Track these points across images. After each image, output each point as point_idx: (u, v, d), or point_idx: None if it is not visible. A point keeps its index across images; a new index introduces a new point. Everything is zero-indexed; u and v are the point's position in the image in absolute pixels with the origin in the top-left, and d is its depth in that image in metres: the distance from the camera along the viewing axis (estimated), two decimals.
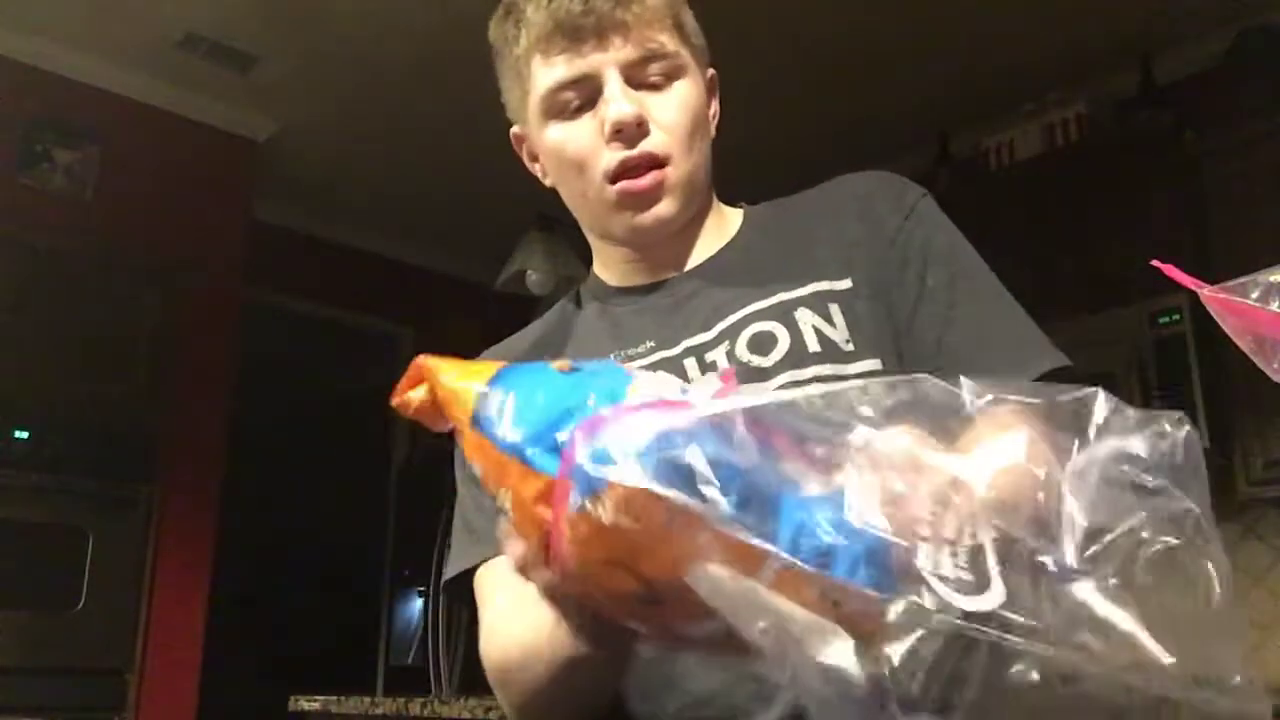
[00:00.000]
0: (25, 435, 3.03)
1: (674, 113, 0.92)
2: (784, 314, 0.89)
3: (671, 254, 0.98)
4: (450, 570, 0.96)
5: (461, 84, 3.52)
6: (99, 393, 3.19)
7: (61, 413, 3.11)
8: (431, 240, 4.54)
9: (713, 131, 0.99)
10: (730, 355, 0.89)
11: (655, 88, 0.92)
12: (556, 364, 0.55)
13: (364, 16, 3.15)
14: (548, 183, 1.00)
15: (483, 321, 4.30)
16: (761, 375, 0.86)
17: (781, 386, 0.83)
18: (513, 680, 0.80)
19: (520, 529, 0.53)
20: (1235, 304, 0.57)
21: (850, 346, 0.86)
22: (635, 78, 0.91)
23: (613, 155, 0.91)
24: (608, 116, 0.90)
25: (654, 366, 0.91)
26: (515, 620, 0.79)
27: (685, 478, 0.46)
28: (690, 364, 0.91)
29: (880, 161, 4.24)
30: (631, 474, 0.46)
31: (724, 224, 1.01)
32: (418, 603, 4.27)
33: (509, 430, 0.52)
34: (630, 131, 0.90)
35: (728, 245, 0.99)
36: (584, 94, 0.91)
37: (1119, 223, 2.93)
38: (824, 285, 0.90)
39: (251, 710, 3.16)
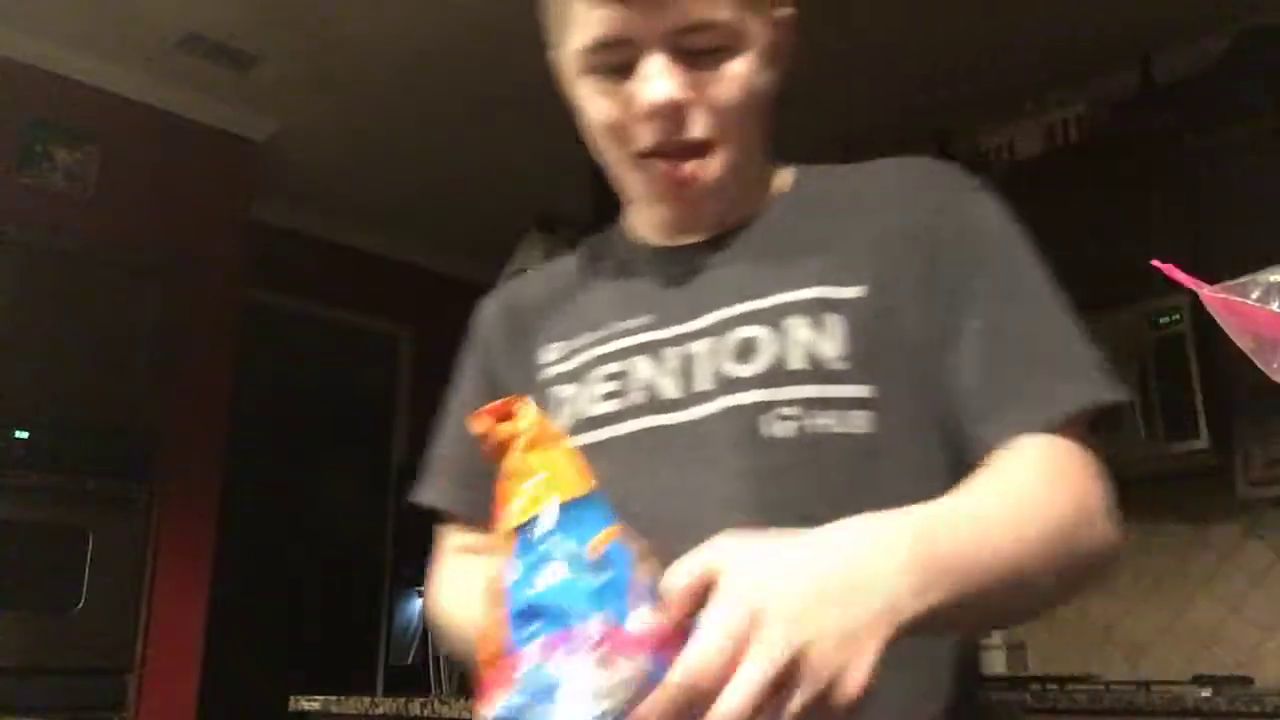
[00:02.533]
0: (25, 435, 3.03)
1: (727, 93, 0.81)
2: (776, 319, 0.81)
3: (701, 216, 0.89)
4: (426, 495, 0.99)
5: (462, 83, 3.52)
6: (99, 392, 3.19)
7: (61, 413, 3.11)
8: (431, 240, 4.54)
9: (775, 79, 0.87)
10: (714, 354, 0.82)
11: (707, 61, 0.80)
12: (596, 543, 0.58)
13: (364, 17, 3.15)
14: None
15: None
16: (737, 387, 0.80)
17: (755, 404, 0.79)
18: (446, 638, 0.91)
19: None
20: (1235, 304, 0.57)
21: (845, 365, 0.78)
22: (685, 45, 0.79)
23: (646, 135, 0.82)
24: (642, 96, 0.80)
25: (640, 348, 0.86)
26: (457, 601, 0.87)
27: None
28: (671, 352, 0.85)
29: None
30: None
31: (766, 187, 0.92)
32: (418, 603, 4.27)
33: (517, 579, 0.57)
34: (664, 117, 0.80)
35: (759, 217, 0.89)
36: (623, 58, 0.80)
37: (1119, 223, 2.93)
38: (828, 291, 0.81)
39: (251, 710, 3.16)
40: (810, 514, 0.73)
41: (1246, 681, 2.65)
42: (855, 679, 0.53)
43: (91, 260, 3.27)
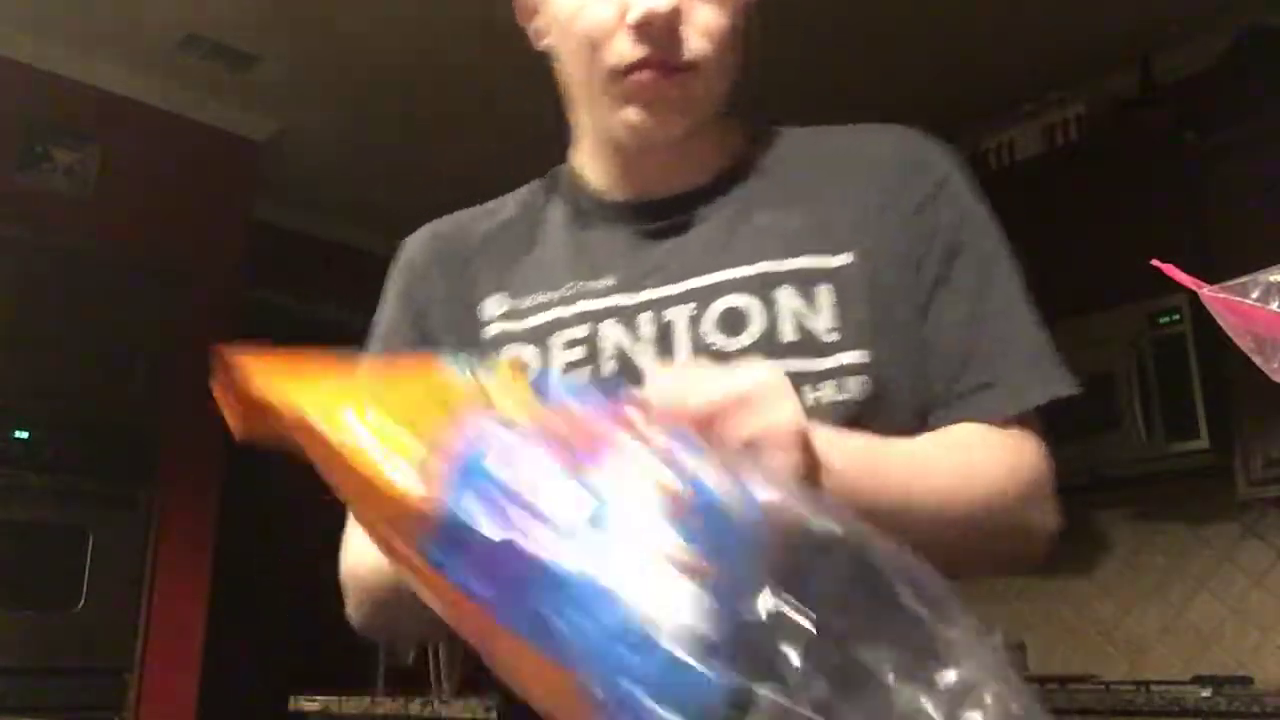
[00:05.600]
0: (25, 435, 3.03)
1: (716, 17, 0.78)
2: (764, 289, 0.78)
3: (662, 168, 0.85)
4: None
5: (461, 83, 3.52)
6: (99, 393, 3.19)
7: (61, 413, 3.11)
8: None
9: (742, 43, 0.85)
10: (694, 323, 0.78)
11: None
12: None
13: (364, 16, 3.15)
14: (541, 45, 0.87)
15: None
16: (724, 360, 0.76)
17: None
18: (360, 585, 0.81)
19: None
20: (1235, 304, 0.57)
21: (834, 336, 0.76)
22: None
23: (631, 48, 0.77)
24: (635, 3, 0.76)
25: (608, 311, 0.81)
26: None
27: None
28: (645, 319, 0.79)
29: None
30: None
31: (729, 141, 0.87)
32: None
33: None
34: (659, 29, 0.76)
35: (727, 176, 0.85)
36: None
37: (1119, 223, 2.93)
38: (815, 261, 0.79)
39: (251, 710, 3.16)
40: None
41: (1246, 681, 2.65)
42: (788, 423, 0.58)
43: (91, 260, 3.27)
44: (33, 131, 3.30)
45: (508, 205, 0.93)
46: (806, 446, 0.59)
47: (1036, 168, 3.28)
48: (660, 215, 0.84)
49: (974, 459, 0.75)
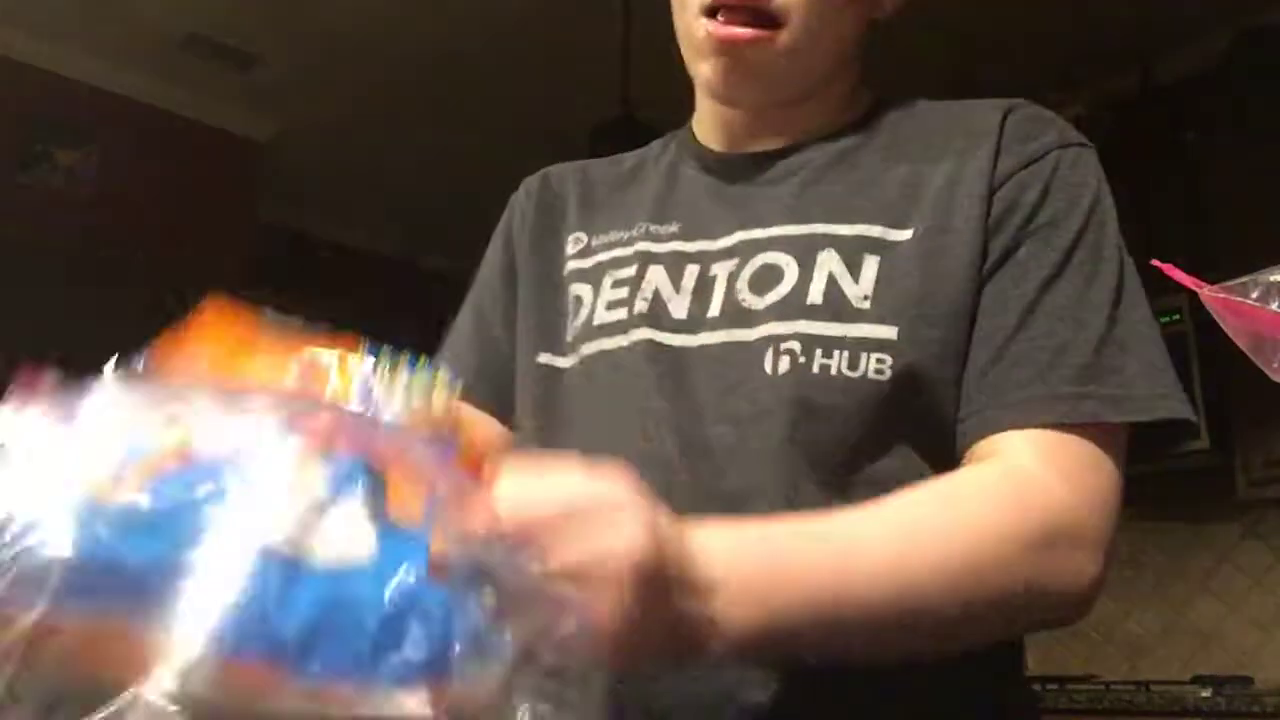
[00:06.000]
0: None
1: None
2: (807, 249, 0.73)
3: (753, 127, 0.83)
4: None
5: (462, 83, 3.52)
6: None
7: None
8: (433, 241, 4.54)
9: (886, 6, 0.82)
10: (732, 279, 0.75)
11: None
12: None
13: (364, 16, 3.15)
14: None
15: None
16: (747, 320, 0.73)
17: (760, 339, 0.71)
18: None
19: None
20: (1235, 304, 0.57)
21: (866, 305, 0.70)
22: None
23: None
24: None
25: (658, 257, 0.79)
26: None
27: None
28: (692, 270, 0.77)
29: None
30: None
31: (839, 110, 0.84)
32: None
33: None
34: None
35: (820, 140, 0.81)
36: None
37: (1119, 223, 2.93)
38: (873, 230, 0.73)
39: None
40: (805, 462, 0.68)
41: (1246, 681, 2.65)
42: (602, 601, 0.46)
43: (91, 260, 3.27)
44: (33, 131, 3.30)
45: (632, 155, 0.93)
46: (646, 581, 0.47)
47: None
48: (743, 169, 0.82)
49: (949, 528, 0.61)
